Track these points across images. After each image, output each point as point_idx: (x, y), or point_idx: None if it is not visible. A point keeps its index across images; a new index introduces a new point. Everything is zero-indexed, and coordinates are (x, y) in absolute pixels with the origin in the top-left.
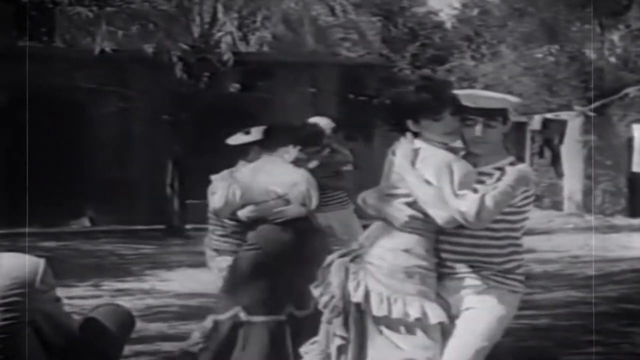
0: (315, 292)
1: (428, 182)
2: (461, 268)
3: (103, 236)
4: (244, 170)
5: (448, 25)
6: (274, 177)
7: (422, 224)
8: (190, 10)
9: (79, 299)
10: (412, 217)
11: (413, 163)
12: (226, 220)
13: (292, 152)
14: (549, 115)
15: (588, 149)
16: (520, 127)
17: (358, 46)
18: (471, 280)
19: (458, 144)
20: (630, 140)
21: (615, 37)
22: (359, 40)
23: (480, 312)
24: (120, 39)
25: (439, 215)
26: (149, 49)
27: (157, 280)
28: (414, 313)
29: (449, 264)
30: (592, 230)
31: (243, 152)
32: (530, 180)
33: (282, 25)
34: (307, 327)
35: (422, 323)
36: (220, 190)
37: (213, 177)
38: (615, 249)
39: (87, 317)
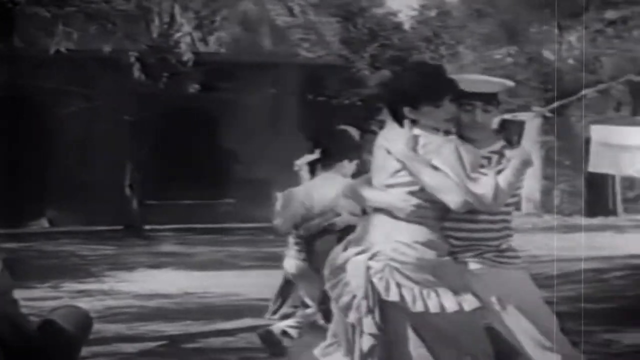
0: (332, 293)
1: (435, 168)
2: (463, 253)
3: (63, 237)
4: (301, 188)
5: (407, 26)
6: (325, 193)
7: (428, 211)
8: (149, 11)
9: (39, 301)
10: (417, 206)
11: (415, 150)
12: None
13: (348, 167)
14: (508, 116)
15: (546, 149)
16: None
17: (317, 47)
18: (474, 264)
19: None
20: (588, 141)
21: (573, 38)
22: (318, 41)
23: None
24: (78, 39)
25: (453, 201)
26: (106, 48)
27: (116, 281)
28: (449, 305)
29: (452, 250)
30: (554, 230)
31: (311, 171)
32: (532, 161)
33: (240, 26)
34: None
35: (460, 314)
36: (281, 207)
37: (278, 194)
38: (573, 248)
39: (46, 319)
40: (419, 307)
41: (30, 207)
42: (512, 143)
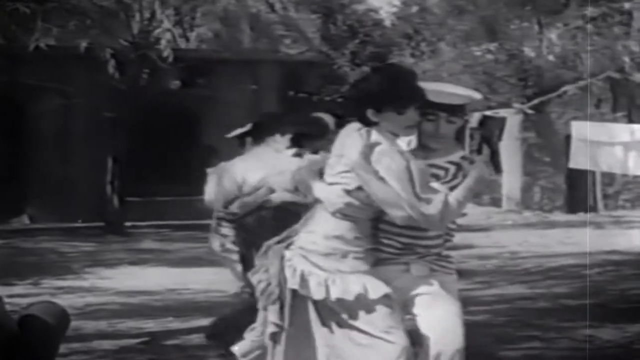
0: (254, 278)
1: (383, 181)
2: (405, 255)
3: (43, 234)
4: (234, 163)
5: (387, 22)
6: (262, 168)
7: (357, 211)
8: (129, 7)
9: (19, 298)
10: (348, 205)
11: (368, 159)
12: (227, 211)
13: (280, 140)
14: (488, 113)
15: (527, 146)
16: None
17: (298, 43)
18: (417, 266)
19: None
20: (568, 138)
21: (553, 35)
22: (299, 38)
23: (435, 294)
24: (57, 35)
25: (397, 216)
26: (84, 44)
27: (97, 278)
28: (355, 288)
29: (390, 250)
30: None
31: (240, 145)
32: (487, 179)
33: (221, 22)
34: None
35: (366, 300)
36: (211, 183)
37: (208, 170)
38: (554, 245)
39: (25, 314)
40: (319, 294)
41: (11, 204)
42: (491, 140)
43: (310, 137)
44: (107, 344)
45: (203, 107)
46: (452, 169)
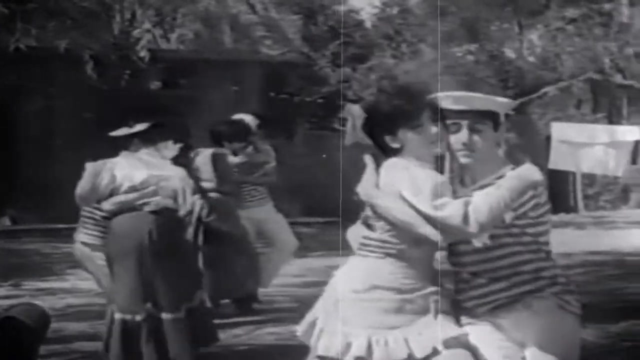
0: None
1: (403, 200)
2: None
3: (25, 235)
4: (118, 161)
5: (368, 23)
6: (145, 170)
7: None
8: (110, 7)
9: (1, 299)
10: (366, 238)
11: (377, 185)
12: (96, 211)
13: (171, 147)
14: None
15: (507, 146)
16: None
17: (279, 44)
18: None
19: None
20: (548, 139)
21: (534, 36)
22: (280, 38)
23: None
24: (37, 36)
25: (433, 232)
26: (64, 45)
27: (78, 279)
28: (334, 350)
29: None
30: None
31: (126, 144)
32: (537, 182)
33: (201, 23)
34: (174, 328)
35: None
36: (88, 176)
37: (87, 164)
38: None
39: (4, 316)
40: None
41: None
42: None
43: (230, 138)
44: (88, 346)
45: (184, 108)
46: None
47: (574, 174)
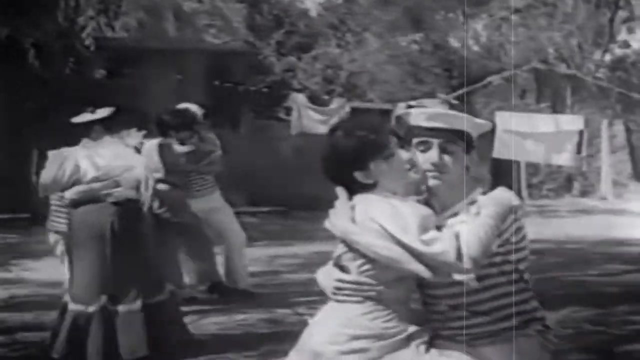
0: None
1: (387, 236)
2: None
3: None
4: (80, 150)
5: (313, 12)
6: (109, 159)
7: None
8: None
9: None
10: (341, 281)
11: (353, 220)
12: (64, 200)
13: (134, 135)
14: (413, 103)
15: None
16: (385, 114)
17: (223, 33)
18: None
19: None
20: (492, 128)
21: (478, 26)
22: (224, 27)
23: None
24: None
25: (423, 270)
26: (3, 33)
27: (22, 270)
28: None
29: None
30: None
31: (87, 131)
32: (516, 206)
33: (145, 11)
34: (128, 320)
35: None
36: (51, 165)
37: (49, 153)
38: None
39: None
40: None
41: None
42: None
43: (176, 128)
44: (32, 336)
45: (128, 96)
46: (473, 208)
47: (518, 163)
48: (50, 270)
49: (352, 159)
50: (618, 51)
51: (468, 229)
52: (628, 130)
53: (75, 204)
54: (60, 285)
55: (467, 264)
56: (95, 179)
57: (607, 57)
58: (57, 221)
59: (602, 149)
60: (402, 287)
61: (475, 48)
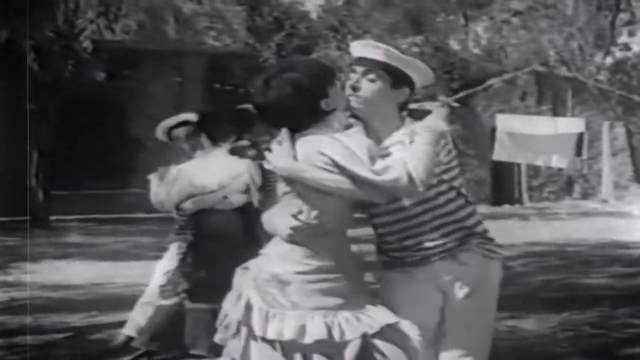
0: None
1: (327, 171)
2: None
3: None
4: (187, 165)
5: (314, 15)
6: (216, 170)
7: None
8: None
9: None
10: (295, 229)
11: (295, 159)
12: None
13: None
14: (413, 106)
15: (452, 138)
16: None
17: (223, 35)
18: (466, 254)
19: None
20: (493, 131)
21: (479, 28)
22: (225, 30)
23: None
24: None
25: (377, 196)
26: (3, 35)
27: (21, 273)
28: (288, 333)
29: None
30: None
31: (195, 144)
32: (445, 131)
33: (145, 13)
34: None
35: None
36: (161, 185)
37: (159, 169)
38: None
39: None
40: (260, 331)
41: None
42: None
43: (239, 132)
44: (31, 339)
45: (128, 99)
46: (407, 140)
47: (519, 166)
48: (48, 273)
49: (318, 88)
50: (619, 54)
51: (410, 155)
52: (629, 133)
53: (196, 214)
54: (59, 288)
55: (420, 187)
56: (210, 191)
57: (608, 60)
58: (181, 231)
59: (603, 152)
60: (344, 224)
61: (476, 50)
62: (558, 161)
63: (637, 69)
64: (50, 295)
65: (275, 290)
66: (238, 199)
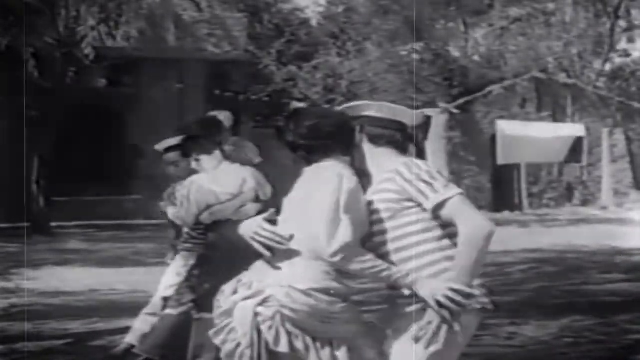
0: (217, 339)
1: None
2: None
3: None
4: (197, 177)
5: (314, 22)
6: (226, 178)
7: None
8: (56, 4)
9: None
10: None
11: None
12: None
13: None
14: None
15: (452, 145)
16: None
17: (224, 42)
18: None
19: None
20: (493, 137)
21: (479, 35)
22: (225, 37)
23: None
24: None
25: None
26: (3, 42)
27: (21, 279)
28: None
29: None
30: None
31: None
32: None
33: (146, 20)
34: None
35: None
36: (176, 206)
37: (164, 195)
38: None
39: None
40: (312, 358)
41: None
42: (417, 139)
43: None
44: (31, 346)
45: (128, 105)
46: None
47: (519, 172)
48: (49, 279)
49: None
50: (618, 60)
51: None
52: (628, 139)
53: (209, 226)
54: (59, 294)
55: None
56: (226, 200)
57: (607, 67)
58: (191, 242)
59: (603, 158)
60: None
61: (476, 57)
62: (558, 157)
63: (636, 75)
64: (50, 301)
65: (320, 322)
66: (252, 208)
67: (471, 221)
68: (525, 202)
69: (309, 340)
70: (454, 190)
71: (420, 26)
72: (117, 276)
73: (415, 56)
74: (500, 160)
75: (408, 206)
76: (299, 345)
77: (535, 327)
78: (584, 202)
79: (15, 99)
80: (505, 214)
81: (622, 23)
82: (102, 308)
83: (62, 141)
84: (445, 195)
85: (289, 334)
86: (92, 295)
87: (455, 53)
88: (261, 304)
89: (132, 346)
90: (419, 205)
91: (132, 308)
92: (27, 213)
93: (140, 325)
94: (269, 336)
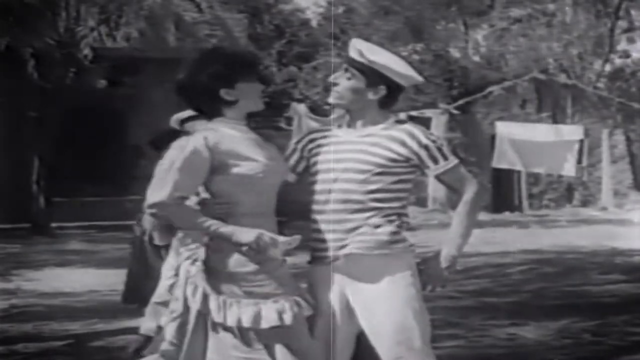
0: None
1: None
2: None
3: None
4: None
5: (314, 23)
6: None
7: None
8: (55, 4)
9: None
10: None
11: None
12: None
13: None
14: (414, 113)
15: (452, 146)
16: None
17: (224, 43)
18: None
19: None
20: (493, 138)
21: (479, 36)
22: (225, 37)
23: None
24: None
25: None
26: (3, 43)
27: (22, 280)
28: (246, 320)
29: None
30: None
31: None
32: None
33: (146, 21)
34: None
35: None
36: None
37: None
38: (479, 244)
39: None
40: (219, 318)
41: None
42: None
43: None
44: (32, 347)
45: (129, 106)
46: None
47: (518, 173)
48: (49, 280)
49: (222, 74)
50: (618, 61)
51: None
52: (628, 140)
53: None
54: (60, 295)
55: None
56: None
57: (608, 67)
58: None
59: (603, 159)
60: None
61: (476, 58)
62: (558, 168)
63: (636, 76)
64: (51, 302)
65: (231, 283)
66: None
67: (473, 187)
68: (525, 202)
69: (221, 299)
70: (455, 157)
71: (421, 27)
72: (118, 277)
73: (415, 57)
74: (495, 164)
75: (403, 166)
76: (212, 302)
77: (535, 328)
78: (584, 203)
79: (15, 100)
80: (505, 215)
81: (622, 24)
82: (103, 309)
83: (62, 141)
84: (455, 162)
85: (204, 292)
86: (93, 296)
87: (455, 54)
88: (193, 262)
89: (141, 347)
90: (415, 166)
91: (132, 309)
92: (27, 214)
93: (150, 316)
94: (188, 292)
